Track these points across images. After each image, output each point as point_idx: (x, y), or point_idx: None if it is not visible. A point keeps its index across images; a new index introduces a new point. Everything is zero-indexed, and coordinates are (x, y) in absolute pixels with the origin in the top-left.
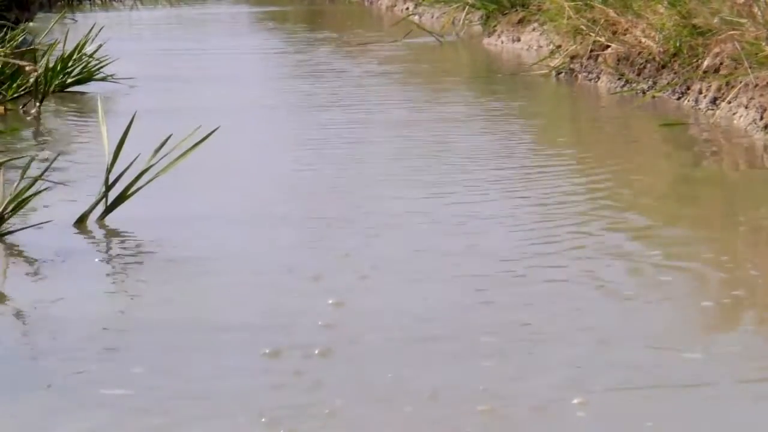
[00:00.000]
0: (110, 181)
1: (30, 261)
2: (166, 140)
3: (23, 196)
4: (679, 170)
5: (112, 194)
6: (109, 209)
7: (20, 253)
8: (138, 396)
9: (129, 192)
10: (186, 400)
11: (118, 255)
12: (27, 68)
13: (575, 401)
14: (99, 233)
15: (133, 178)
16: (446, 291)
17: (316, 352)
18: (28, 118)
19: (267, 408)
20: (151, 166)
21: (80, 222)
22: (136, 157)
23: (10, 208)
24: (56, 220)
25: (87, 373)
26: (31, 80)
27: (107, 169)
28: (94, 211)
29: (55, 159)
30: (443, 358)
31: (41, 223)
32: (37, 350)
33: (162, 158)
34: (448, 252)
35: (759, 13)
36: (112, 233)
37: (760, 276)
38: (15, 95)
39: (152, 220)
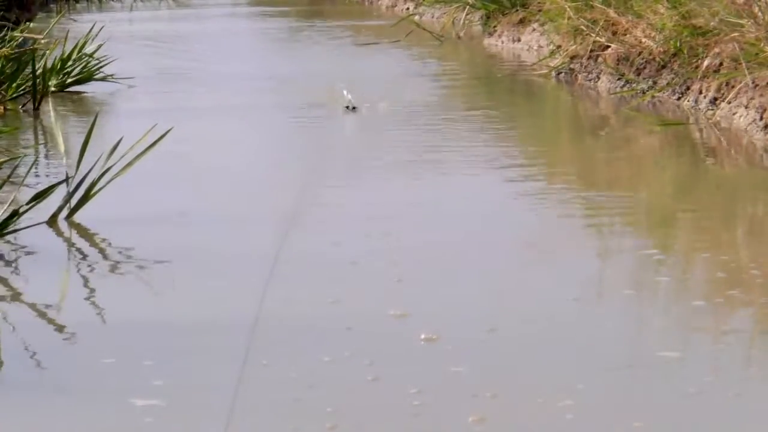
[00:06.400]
0: (78, 180)
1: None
2: (119, 142)
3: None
4: (677, 170)
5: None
6: (74, 209)
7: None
8: (162, 404)
9: (92, 192)
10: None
11: (85, 254)
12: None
13: (562, 404)
14: (66, 231)
15: (94, 178)
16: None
17: (311, 357)
18: (28, 119)
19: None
20: (110, 167)
21: (52, 220)
22: (99, 157)
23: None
24: (36, 218)
25: (106, 378)
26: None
27: (76, 168)
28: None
29: (34, 162)
30: None
31: (34, 225)
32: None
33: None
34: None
35: (759, 14)
36: (80, 231)
37: (759, 276)
38: (15, 95)
39: (133, 217)
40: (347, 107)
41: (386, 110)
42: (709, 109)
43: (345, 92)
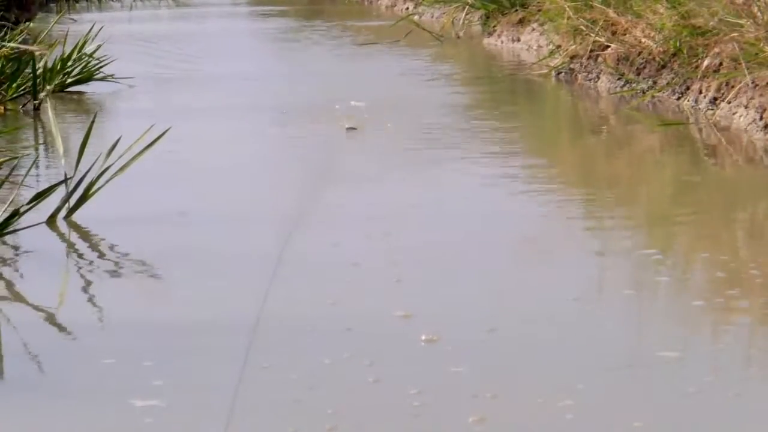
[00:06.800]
0: (78, 180)
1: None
2: (117, 141)
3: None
4: (677, 169)
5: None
6: (73, 209)
7: None
8: (164, 405)
9: (90, 192)
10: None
11: (85, 254)
12: (38, 53)
13: (562, 404)
14: (65, 231)
15: (93, 178)
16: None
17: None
18: (28, 119)
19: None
20: (109, 167)
21: (50, 220)
22: (98, 157)
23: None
24: (36, 218)
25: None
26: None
27: (75, 168)
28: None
29: (34, 162)
30: None
31: (34, 225)
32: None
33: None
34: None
35: (758, 14)
36: (79, 231)
37: (759, 276)
38: (15, 95)
39: (132, 217)
40: (348, 127)
41: (385, 109)
42: (709, 109)
43: (354, 102)
